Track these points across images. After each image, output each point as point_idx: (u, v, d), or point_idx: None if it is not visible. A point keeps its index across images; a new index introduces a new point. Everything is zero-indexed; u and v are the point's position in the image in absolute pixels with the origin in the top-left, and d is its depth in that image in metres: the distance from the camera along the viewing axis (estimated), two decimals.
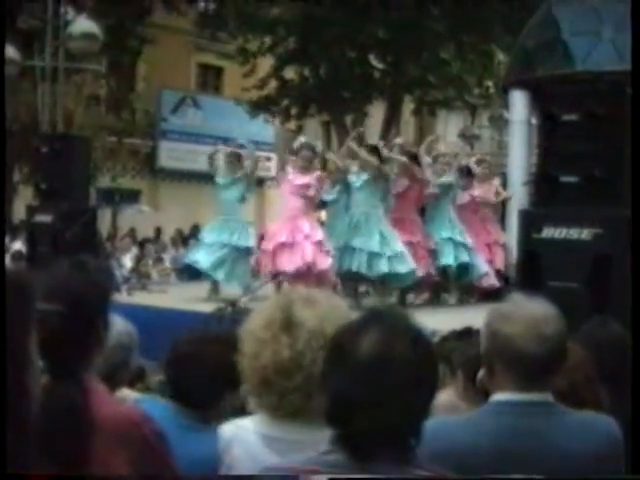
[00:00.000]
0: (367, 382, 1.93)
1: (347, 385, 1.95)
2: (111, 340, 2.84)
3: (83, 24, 17.28)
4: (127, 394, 3.29)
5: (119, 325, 3.18)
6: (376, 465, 1.94)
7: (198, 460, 2.66)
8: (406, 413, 1.95)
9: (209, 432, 2.92)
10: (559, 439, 2.58)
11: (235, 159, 11.48)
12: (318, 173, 10.78)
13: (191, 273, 11.36)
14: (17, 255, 14.20)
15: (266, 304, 2.71)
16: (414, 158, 11.12)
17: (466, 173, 12.44)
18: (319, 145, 11.44)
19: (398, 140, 12.11)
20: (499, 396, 2.65)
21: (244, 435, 2.66)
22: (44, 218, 10.83)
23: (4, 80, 14.57)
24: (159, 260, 18.30)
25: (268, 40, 23.73)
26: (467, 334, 4.14)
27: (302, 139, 11.49)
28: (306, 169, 10.67)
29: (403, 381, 1.93)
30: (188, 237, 24.59)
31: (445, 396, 3.92)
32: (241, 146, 11.91)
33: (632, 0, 6.09)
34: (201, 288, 11.19)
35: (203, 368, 3.07)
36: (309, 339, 2.51)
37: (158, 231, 24.20)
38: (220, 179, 11.34)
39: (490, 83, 24.56)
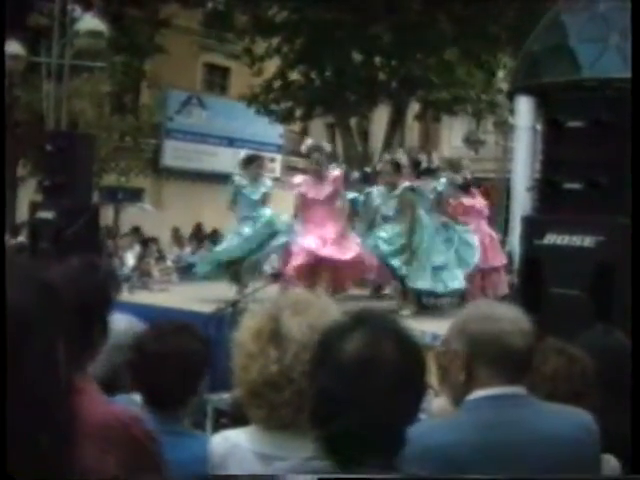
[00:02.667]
0: (352, 383, 1.90)
1: (331, 385, 1.92)
2: (113, 339, 2.81)
3: (90, 22, 17.32)
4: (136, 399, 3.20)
5: (123, 325, 3.12)
6: (360, 470, 1.91)
7: (179, 467, 2.58)
8: (391, 416, 1.92)
9: (185, 436, 2.90)
10: (536, 427, 2.62)
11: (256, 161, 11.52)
12: (336, 174, 10.73)
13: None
14: (20, 247, 14.20)
15: (256, 311, 2.67)
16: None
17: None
18: (328, 146, 11.27)
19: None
20: (476, 394, 2.67)
21: (239, 453, 2.62)
22: (47, 215, 10.82)
23: (4, 81, 14.60)
24: (161, 259, 18.32)
25: (274, 42, 23.75)
26: None
27: (310, 141, 11.41)
28: (319, 173, 10.65)
29: (388, 383, 1.90)
30: (190, 236, 24.62)
31: (441, 402, 3.90)
32: None
33: (632, 5, 6.06)
34: (202, 288, 11.19)
35: (174, 363, 2.93)
36: (298, 352, 2.48)
37: (176, 230, 24.17)
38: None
39: (495, 88, 24.58)
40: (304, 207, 10.60)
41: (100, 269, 2.61)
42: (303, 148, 10.92)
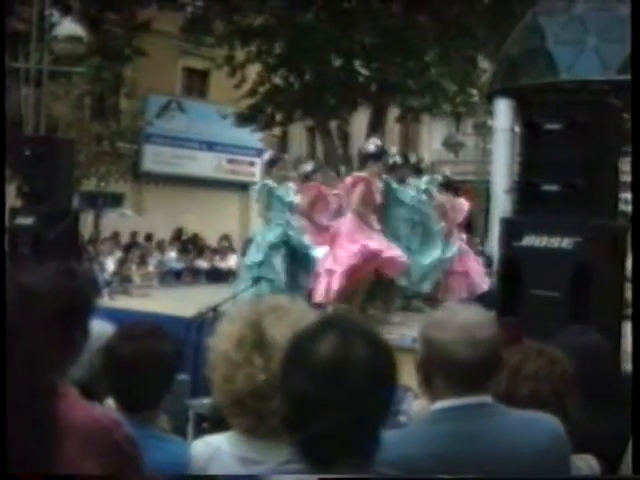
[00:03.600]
0: (324, 385, 1.90)
1: (304, 388, 1.92)
2: (93, 346, 2.81)
3: (68, 27, 17.27)
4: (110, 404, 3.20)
5: (95, 330, 3.13)
6: (335, 473, 1.91)
7: (158, 470, 2.59)
8: (363, 418, 1.93)
9: (164, 440, 2.91)
10: (499, 438, 2.59)
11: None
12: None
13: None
14: None
15: (234, 318, 2.64)
16: None
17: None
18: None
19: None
20: (439, 404, 2.66)
21: (221, 458, 2.61)
22: (26, 220, 10.79)
23: (5, 82, 14.53)
24: (143, 264, 18.28)
25: (254, 47, 23.73)
26: None
27: (376, 140, 10.66)
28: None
29: (360, 386, 1.91)
30: (171, 241, 24.58)
31: (422, 403, 3.91)
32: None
33: (632, 5, 6.09)
34: (183, 293, 11.19)
35: (146, 365, 2.95)
36: None
37: (134, 235, 24.12)
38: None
39: (475, 90, 24.65)
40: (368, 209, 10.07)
41: (78, 274, 2.61)
42: (372, 148, 10.19)
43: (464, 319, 2.64)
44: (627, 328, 5.45)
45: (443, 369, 2.62)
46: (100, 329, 3.30)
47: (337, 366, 1.91)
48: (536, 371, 3.03)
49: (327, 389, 1.90)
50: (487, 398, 2.65)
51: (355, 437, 1.93)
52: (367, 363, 1.93)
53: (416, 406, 3.94)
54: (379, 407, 1.99)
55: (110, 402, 3.08)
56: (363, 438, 1.96)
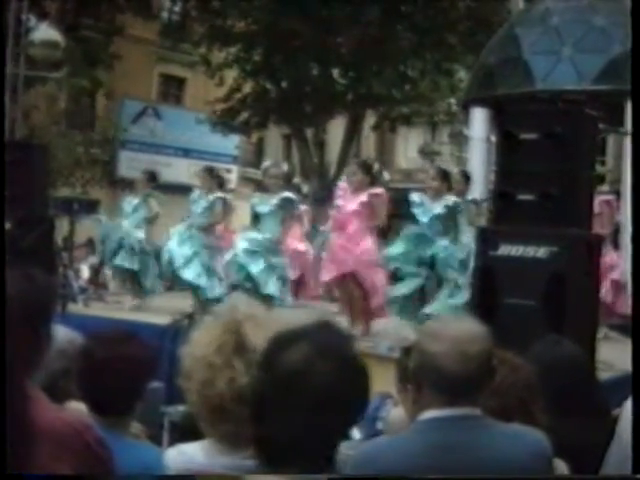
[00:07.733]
0: (283, 394, 1.96)
1: (266, 392, 1.99)
2: (51, 347, 2.80)
3: (45, 32, 17.18)
4: (75, 406, 3.17)
5: (61, 333, 3.11)
6: (289, 473, 1.95)
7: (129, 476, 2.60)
8: (318, 430, 1.96)
9: (135, 446, 2.90)
10: (486, 451, 2.60)
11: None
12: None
13: None
14: None
15: (210, 325, 2.64)
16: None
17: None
18: None
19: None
20: (426, 414, 2.67)
21: (196, 468, 2.55)
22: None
23: (5, 81, 14.43)
24: None
25: (232, 52, 23.72)
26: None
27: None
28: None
29: (318, 400, 1.94)
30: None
31: (400, 411, 3.91)
32: None
33: (632, 5, 6.10)
34: (158, 300, 11.15)
35: (121, 369, 2.94)
36: None
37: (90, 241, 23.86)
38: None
39: (451, 100, 24.73)
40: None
41: (36, 278, 2.60)
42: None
43: (457, 332, 2.64)
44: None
45: (432, 380, 2.63)
46: (61, 334, 3.28)
47: (298, 377, 1.96)
48: (501, 381, 3.03)
49: (286, 397, 1.96)
50: (475, 410, 2.66)
51: (308, 445, 1.97)
52: (328, 379, 1.96)
53: (394, 413, 3.95)
54: (334, 423, 2.01)
55: (75, 404, 3.06)
56: (316, 448, 1.99)
